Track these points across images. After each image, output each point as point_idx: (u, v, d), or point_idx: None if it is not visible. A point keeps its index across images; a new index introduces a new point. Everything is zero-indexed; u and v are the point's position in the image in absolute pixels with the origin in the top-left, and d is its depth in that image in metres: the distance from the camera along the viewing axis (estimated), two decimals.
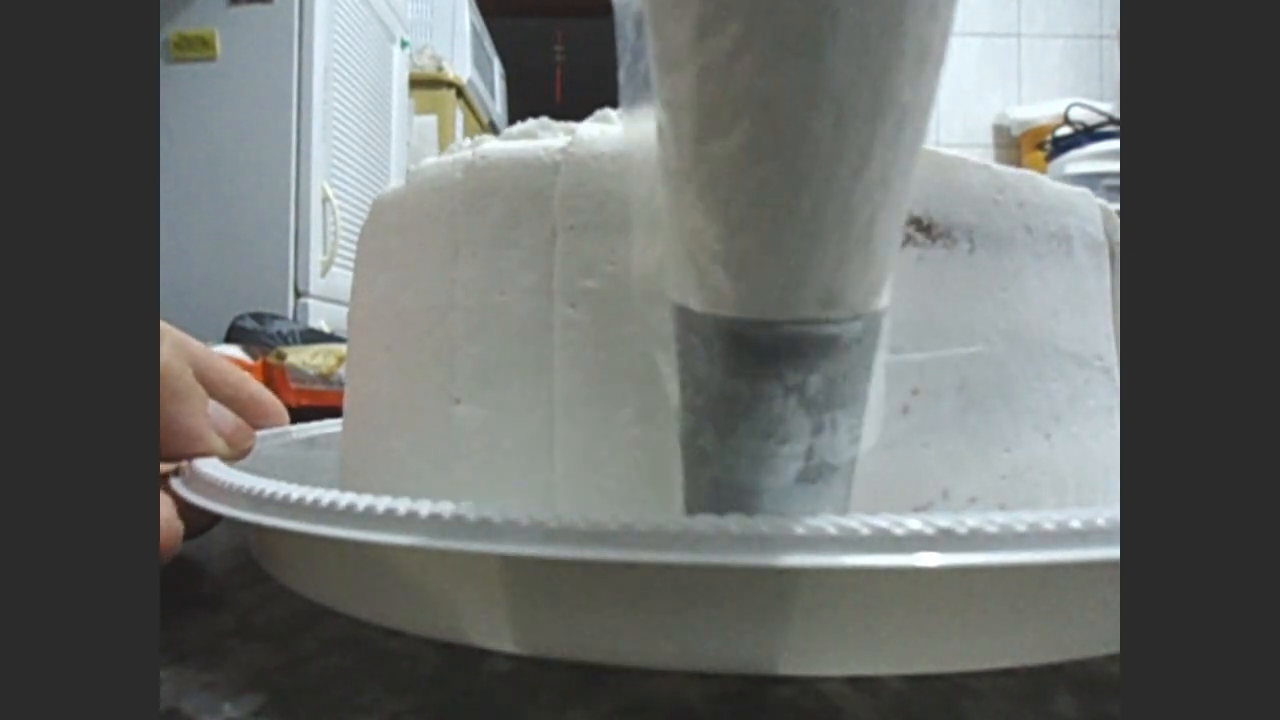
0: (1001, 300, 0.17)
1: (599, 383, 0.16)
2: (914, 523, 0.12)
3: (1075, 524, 0.12)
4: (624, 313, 0.15)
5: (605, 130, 0.17)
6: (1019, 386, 0.17)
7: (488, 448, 0.17)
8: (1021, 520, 0.12)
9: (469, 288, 0.17)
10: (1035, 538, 0.12)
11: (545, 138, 0.18)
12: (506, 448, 0.17)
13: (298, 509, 0.14)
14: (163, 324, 0.20)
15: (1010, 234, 0.17)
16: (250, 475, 0.16)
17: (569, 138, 0.17)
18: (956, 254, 0.16)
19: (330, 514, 0.14)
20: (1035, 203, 0.17)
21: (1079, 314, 0.18)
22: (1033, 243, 0.17)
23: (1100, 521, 0.12)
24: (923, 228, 0.16)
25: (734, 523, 0.12)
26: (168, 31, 0.95)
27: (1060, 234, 0.18)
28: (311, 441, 0.28)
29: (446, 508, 0.13)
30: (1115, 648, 0.14)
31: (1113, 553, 0.12)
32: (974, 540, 0.12)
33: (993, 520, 0.12)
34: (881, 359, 0.12)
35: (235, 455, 0.20)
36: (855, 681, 0.13)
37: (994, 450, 0.16)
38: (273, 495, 0.15)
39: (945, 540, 0.12)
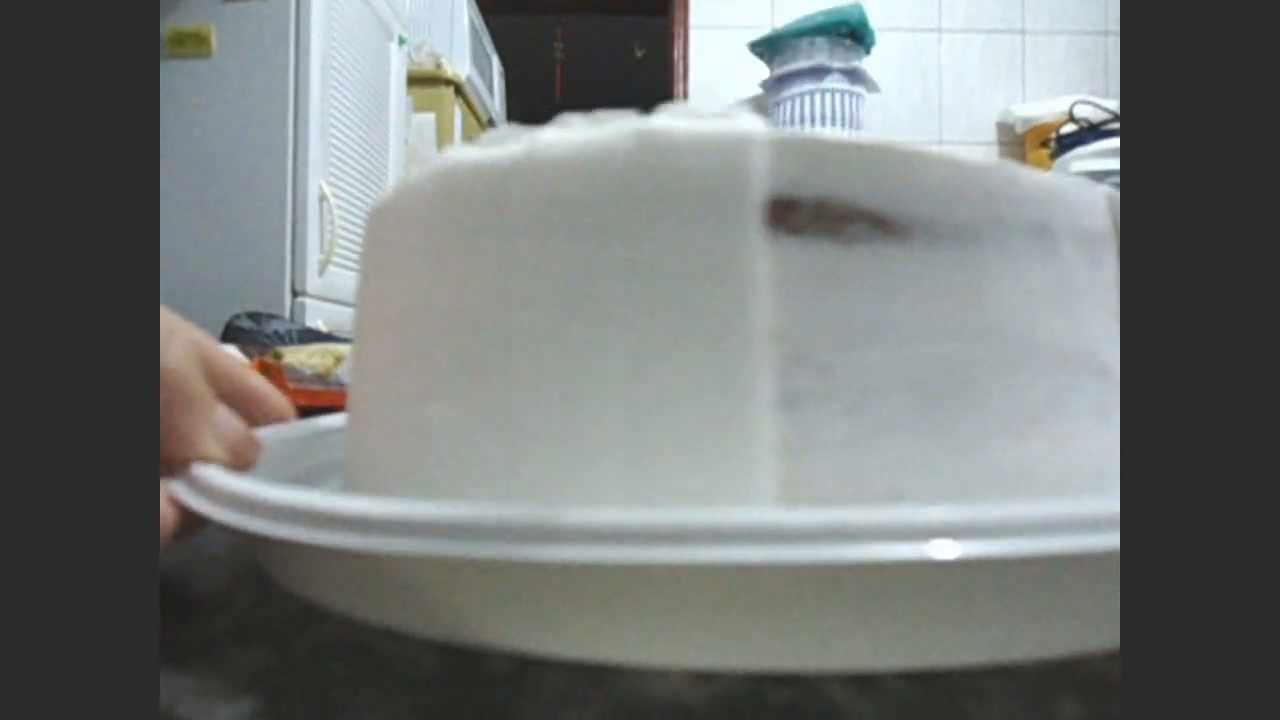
0: (965, 297, 0.16)
1: (556, 384, 0.16)
2: (928, 512, 0.12)
3: (1084, 513, 0.12)
4: (576, 314, 0.16)
5: (562, 135, 0.17)
6: (985, 387, 0.16)
7: (455, 448, 0.17)
8: (1035, 510, 0.12)
9: (438, 291, 0.18)
10: (1044, 527, 0.12)
11: (511, 144, 0.18)
12: (471, 448, 0.17)
13: (293, 514, 0.14)
14: (174, 318, 0.20)
15: (976, 227, 0.16)
16: (250, 478, 0.17)
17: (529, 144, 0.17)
18: (914, 250, 0.16)
19: (328, 520, 0.14)
20: (1008, 194, 0.17)
21: (1062, 309, 0.17)
22: (1004, 236, 0.17)
23: (1107, 511, 0.12)
24: (877, 223, 0.16)
25: (737, 516, 0.12)
26: (163, 27, 0.95)
27: (1041, 226, 0.17)
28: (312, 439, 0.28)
29: (437, 510, 0.13)
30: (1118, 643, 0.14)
31: (1113, 541, 0.12)
32: (990, 530, 0.12)
33: (1006, 510, 0.12)
34: None
35: (239, 466, 0.20)
36: (856, 683, 0.13)
37: (955, 453, 0.16)
38: (274, 501, 0.15)
39: (960, 530, 0.12)
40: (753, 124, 0.16)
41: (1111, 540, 0.12)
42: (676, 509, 0.12)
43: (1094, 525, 0.12)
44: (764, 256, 0.15)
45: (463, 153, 0.18)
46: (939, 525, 0.12)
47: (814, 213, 0.15)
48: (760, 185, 0.15)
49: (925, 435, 0.15)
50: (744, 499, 0.15)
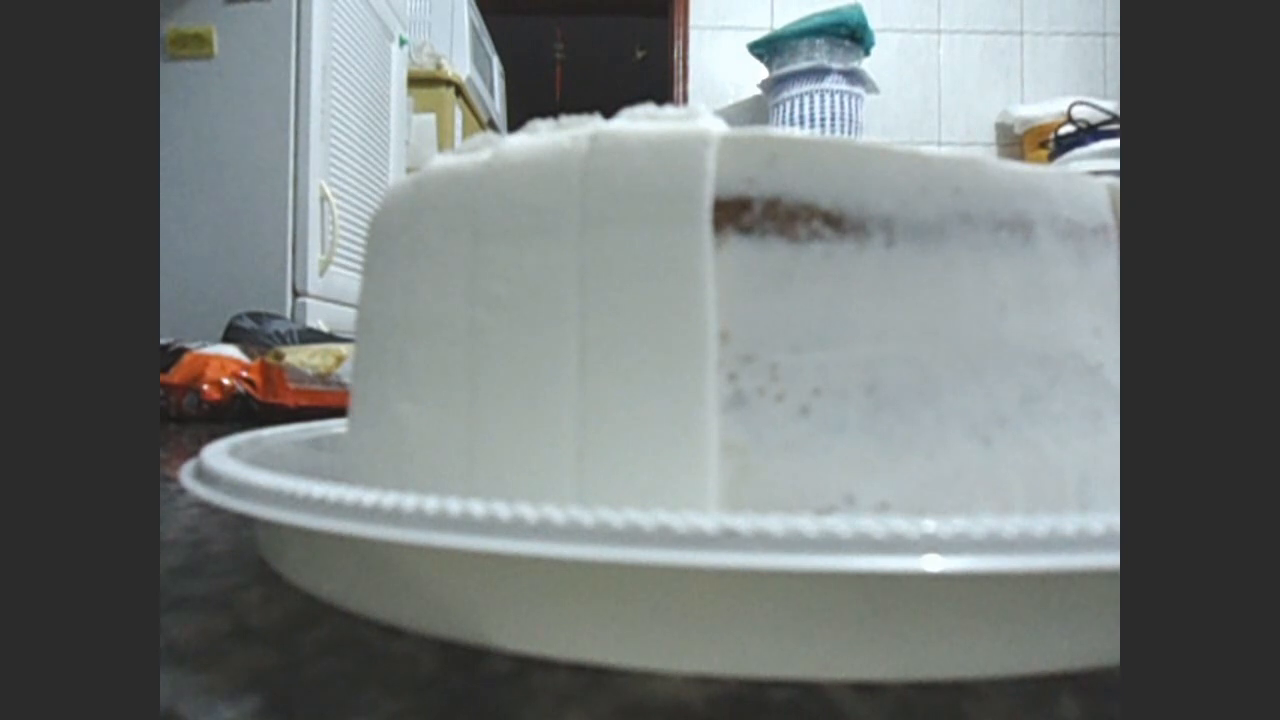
0: (926, 296, 0.16)
1: (513, 384, 0.16)
2: (928, 525, 0.12)
3: (1098, 529, 0.12)
4: (533, 316, 0.16)
5: (526, 141, 0.17)
6: (946, 388, 0.15)
7: (422, 445, 0.18)
8: (1041, 524, 0.12)
9: (415, 293, 0.18)
10: (1049, 543, 0.12)
11: (483, 151, 0.18)
12: (436, 445, 0.17)
13: (306, 504, 0.15)
14: None
15: (940, 224, 0.16)
16: (264, 471, 0.17)
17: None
18: (870, 248, 0.15)
19: (338, 509, 0.14)
20: (976, 189, 0.16)
21: (1039, 308, 0.17)
22: (971, 233, 0.16)
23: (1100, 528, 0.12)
24: (831, 221, 0.15)
25: (744, 524, 0.12)
26: (165, 28, 0.95)
27: (1014, 221, 0.16)
28: (316, 442, 0.28)
29: (449, 505, 0.13)
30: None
31: (1114, 560, 0.12)
32: (987, 544, 0.12)
33: (1009, 525, 0.12)
34: None
35: None
36: (857, 684, 0.13)
37: (912, 455, 0.15)
38: (291, 492, 0.15)
39: (957, 544, 0.11)
40: (708, 124, 0.16)
41: (1111, 559, 0.12)
42: (621, 508, 0.12)
43: (1092, 542, 0.12)
44: (713, 257, 0.15)
45: (441, 159, 0.19)
46: (921, 539, 0.12)
47: (765, 212, 0.15)
48: (710, 185, 0.15)
49: (880, 437, 0.15)
50: (690, 500, 0.15)
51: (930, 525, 0.12)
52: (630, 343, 0.15)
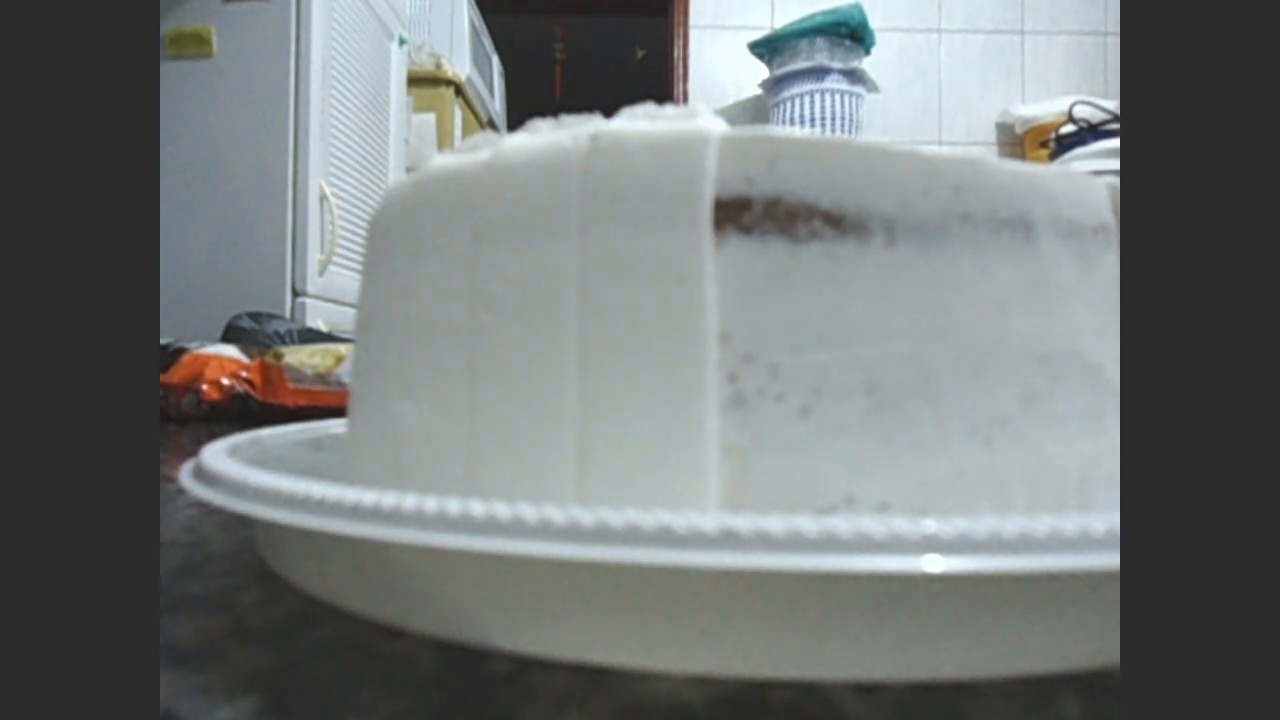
0: (926, 296, 0.16)
1: (513, 385, 0.16)
2: (928, 525, 0.12)
3: (1099, 529, 0.12)
4: (533, 316, 0.16)
5: (526, 141, 0.17)
6: (947, 388, 0.15)
7: (422, 445, 0.18)
8: (1042, 524, 0.12)
9: (415, 295, 0.18)
10: (1049, 543, 0.12)
11: (483, 150, 0.18)
12: (436, 445, 0.17)
13: (306, 504, 0.15)
14: None
15: (941, 223, 0.16)
16: (264, 471, 0.17)
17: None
18: (871, 248, 0.15)
19: (338, 509, 0.14)
20: (976, 188, 0.16)
21: (1040, 308, 0.17)
22: (973, 232, 0.16)
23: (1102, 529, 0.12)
24: (831, 221, 0.15)
25: (744, 524, 0.12)
26: (164, 28, 0.95)
27: (1016, 220, 0.16)
28: (316, 442, 0.28)
29: (452, 505, 0.13)
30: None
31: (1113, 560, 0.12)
32: (987, 545, 0.12)
33: (1010, 525, 0.12)
34: None
35: None
36: (857, 684, 0.13)
37: (912, 455, 0.15)
38: (290, 493, 0.15)
39: (958, 544, 0.11)
40: (708, 123, 0.16)
41: (1111, 559, 0.12)
42: (621, 508, 0.12)
43: (1092, 542, 0.12)
44: (713, 256, 0.15)
45: (441, 159, 0.19)
46: (921, 539, 0.12)
47: (765, 211, 0.15)
48: (710, 185, 0.15)
49: (880, 437, 0.15)
50: (690, 500, 0.15)
51: (931, 525, 0.12)
52: (630, 343, 0.15)
